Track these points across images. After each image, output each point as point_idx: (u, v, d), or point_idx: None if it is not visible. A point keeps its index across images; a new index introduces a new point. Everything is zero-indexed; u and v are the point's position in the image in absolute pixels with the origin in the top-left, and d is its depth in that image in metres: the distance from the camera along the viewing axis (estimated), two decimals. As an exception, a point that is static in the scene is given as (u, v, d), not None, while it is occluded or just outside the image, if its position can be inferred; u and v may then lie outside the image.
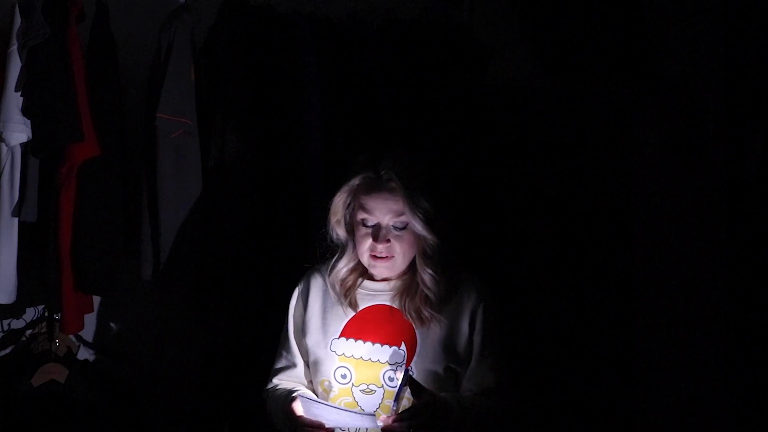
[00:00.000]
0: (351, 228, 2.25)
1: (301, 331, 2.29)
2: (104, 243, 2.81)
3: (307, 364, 2.30)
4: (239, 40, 2.84)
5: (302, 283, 2.34)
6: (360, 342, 2.20)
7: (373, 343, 2.19)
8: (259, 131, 2.86)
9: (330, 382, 2.21)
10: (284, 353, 2.32)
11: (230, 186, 2.83)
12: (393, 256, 2.20)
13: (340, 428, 2.16)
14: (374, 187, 2.18)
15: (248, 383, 2.55)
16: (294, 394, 2.18)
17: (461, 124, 2.99)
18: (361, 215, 2.20)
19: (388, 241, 2.19)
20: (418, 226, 2.16)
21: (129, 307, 3.13)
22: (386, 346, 2.18)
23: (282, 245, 2.85)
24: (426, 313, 2.19)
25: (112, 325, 3.17)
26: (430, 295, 2.20)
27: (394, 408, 2.06)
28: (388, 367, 2.16)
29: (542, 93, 3.33)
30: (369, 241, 2.20)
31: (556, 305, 3.30)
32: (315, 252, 2.33)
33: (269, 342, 2.42)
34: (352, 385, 2.19)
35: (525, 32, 3.29)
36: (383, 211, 2.18)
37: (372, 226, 2.20)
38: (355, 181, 2.20)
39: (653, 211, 3.39)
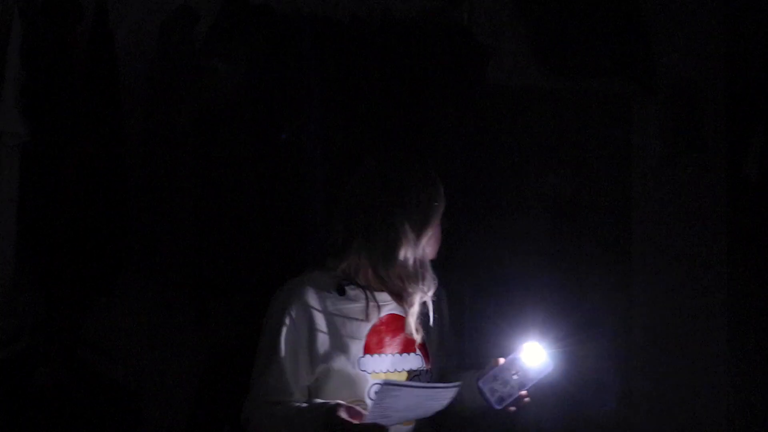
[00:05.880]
0: None
1: (314, 355, 2.13)
2: (104, 243, 2.81)
3: (303, 387, 2.15)
4: (239, 40, 2.84)
5: (294, 304, 2.14)
6: (384, 356, 2.16)
7: (394, 354, 2.17)
8: (259, 131, 2.86)
9: (364, 401, 2.11)
10: (273, 384, 2.11)
11: (230, 186, 2.83)
12: None
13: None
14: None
15: (248, 384, 2.54)
16: (342, 403, 2.02)
17: (461, 123, 2.99)
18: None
19: None
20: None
21: (129, 307, 3.12)
22: (405, 354, 2.18)
23: (282, 246, 2.85)
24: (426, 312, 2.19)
25: (111, 325, 3.17)
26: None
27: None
28: (414, 374, 2.18)
29: (542, 93, 3.33)
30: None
31: (555, 305, 3.30)
32: (315, 257, 2.29)
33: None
34: None
35: (525, 32, 3.30)
36: None
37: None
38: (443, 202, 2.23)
39: (653, 210, 3.39)
